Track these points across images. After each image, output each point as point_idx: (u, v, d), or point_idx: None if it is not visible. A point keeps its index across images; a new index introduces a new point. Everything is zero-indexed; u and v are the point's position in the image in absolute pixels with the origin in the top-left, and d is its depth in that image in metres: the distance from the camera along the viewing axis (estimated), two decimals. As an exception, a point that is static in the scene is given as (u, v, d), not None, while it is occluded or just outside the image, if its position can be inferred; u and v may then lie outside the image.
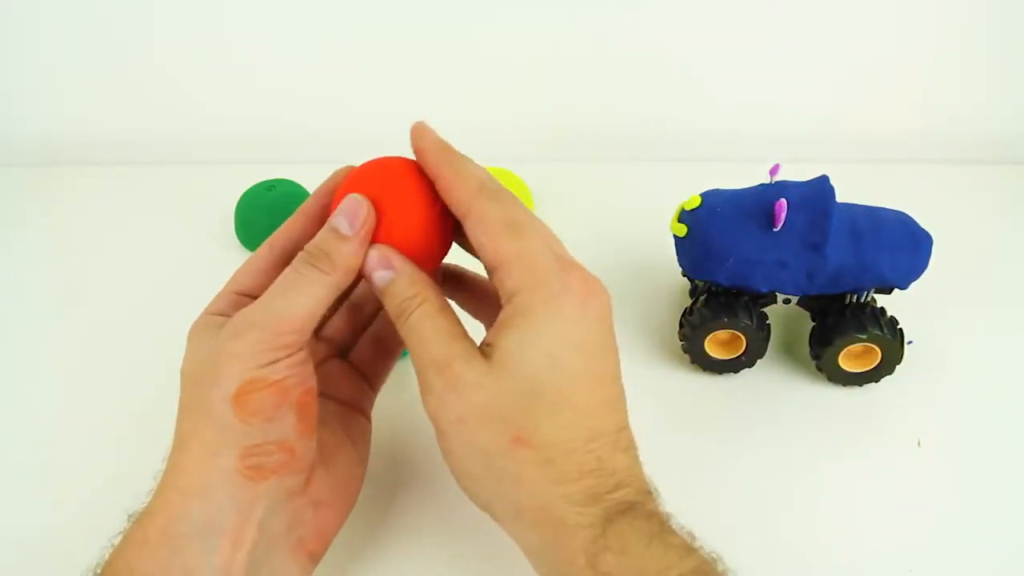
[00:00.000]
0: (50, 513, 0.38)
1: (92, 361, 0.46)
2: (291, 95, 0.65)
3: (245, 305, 0.29)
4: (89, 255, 0.56)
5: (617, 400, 0.29)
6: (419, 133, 0.30)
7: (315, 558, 0.31)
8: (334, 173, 0.32)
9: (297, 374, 0.28)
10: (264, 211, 0.53)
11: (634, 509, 0.26)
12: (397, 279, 0.29)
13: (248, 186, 0.55)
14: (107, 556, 0.27)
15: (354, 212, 0.29)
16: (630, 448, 0.28)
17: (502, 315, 0.28)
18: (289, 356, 0.28)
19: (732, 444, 0.42)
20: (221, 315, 0.30)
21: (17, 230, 0.58)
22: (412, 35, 0.61)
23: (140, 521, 0.27)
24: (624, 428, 0.28)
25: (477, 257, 0.30)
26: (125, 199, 0.61)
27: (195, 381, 0.28)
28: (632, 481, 0.27)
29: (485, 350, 0.28)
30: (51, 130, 0.67)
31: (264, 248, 0.32)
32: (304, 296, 0.28)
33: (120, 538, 0.27)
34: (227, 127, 0.66)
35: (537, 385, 0.26)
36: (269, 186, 0.54)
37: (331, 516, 0.31)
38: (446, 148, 0.29)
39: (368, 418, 0.36)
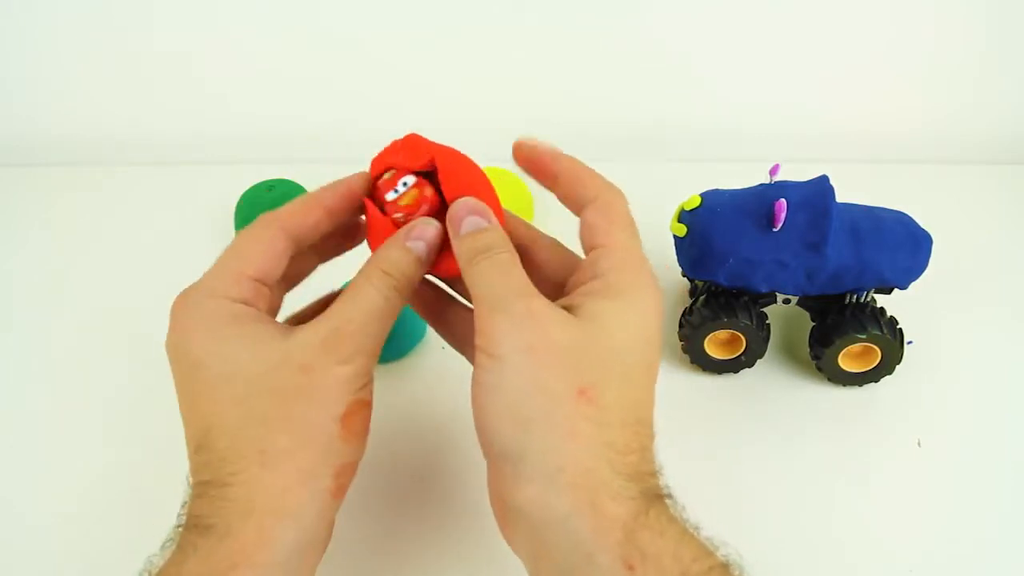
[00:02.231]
0: (49, 513, 0.38)
1: (92, 361, 0.46)
2: (291, 95, 0.65)
3: (263, 293, 0.29)
4: (89, 255, 0.56)
5: (653, 400, 0.29)
6: (525, 141, 0.32)
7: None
8: (356, 175, 0.32)
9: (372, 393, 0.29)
10: (264, 211, 0.53)
11: (666, 499, 0.26)
12: (492, 229, 0.29)
13: (248, 186, 0.55)
14: (174, 574, 0.25)
15: (427, 235, 0.30)
16: (656, 451, 0.28)
17: (588, 287, 0.28)
18: (372, 377, 0.29)
19: (732, 444, 0.42)
20: (246, 303, 0.28)
21: (17, 230, 0.59)
22: (413, 35, 0.61)
23: (224, 544, 0.25)
24: (654, 433, 0.28)
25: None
26: (125, 199, 0.61)
27: (284, 395, 0.26)
28: (661, 476, 0.27)
29: (564, 307, 0.28)
30: (51, 130, 0.67)
31: (275, 230, 0.30)
32: (391, 321, 0.29)
33: (195, 558, 0.25)
34: (227, 127, 0.66)
35: (617, 352, 0.26)
36: (269, 186, 0.54)
37: None
38: (559, 150, 0.32)
39: None
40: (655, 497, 0.26)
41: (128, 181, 0.63)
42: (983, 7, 0.59)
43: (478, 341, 0.27)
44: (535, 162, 0.31)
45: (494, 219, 0.30)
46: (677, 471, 0.28)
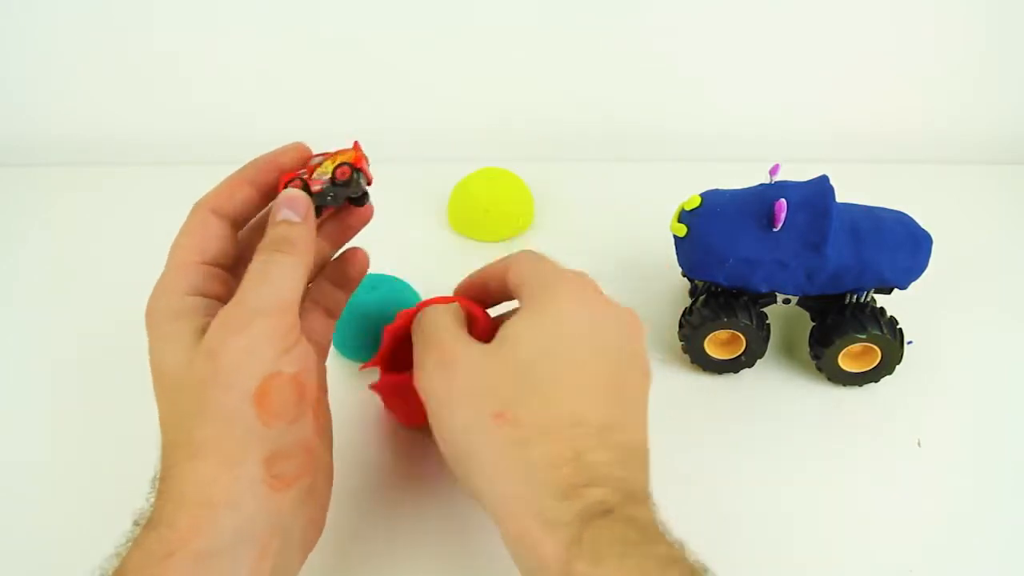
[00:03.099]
0: (47, 513, 0.38)
1: (91, 361, 0.46)
2: (291, 95, 0.65)
3: (219, 276, 0.30)
4: (89, 255, 0.56)
5: (605, 396, 0.28)
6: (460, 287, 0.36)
7: (310, 551, 0.30)
8: (286, 146, 0.32)
9: (308, 368, 0.28)
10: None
11: (612, 513, 0.25)
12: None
13: (248, 186, 0.55)
14: (119, 567, 0.25)
15: (293, 202, 0.30)
16: (617, 448, 0.27)
17: (508, 314, 0.30)
18: (296, 345, 0.28)
19: (732, 444, 0.42)
20: (199, 295, 0.28)
21: (17, 230, 0.58)
22: (412, 36, 0.61)
23: (160, 534, 0.25)
24: (610, 428, 0.27)
25: None
26: (125, 199, 0.61)
27: (199, 384, 0.26)
28: (611, 481, 0.26)
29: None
30: (51, 130, 0.67)
31: (203, 212, 0.30)
32: (287, 279, 0.28)
33: (133, 549, 0.25)
34: (227, 127, 0.66)
35: (529, 363, 0.27)
36: (269, 186, 0.54)
37: (325, 507, 0.31)
38: (472, 277, 0.36)
39: (327, 391, 0.33)
40: (594, 517, 0.24)
41: (128, 181, 0.63)
42: (983, 7, 0.59)
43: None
44: (480, 290, 0.34)
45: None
46: (676, 471, 0.28)
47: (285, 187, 0.31)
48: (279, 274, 0.28)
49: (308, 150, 0.32)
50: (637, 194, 0.58)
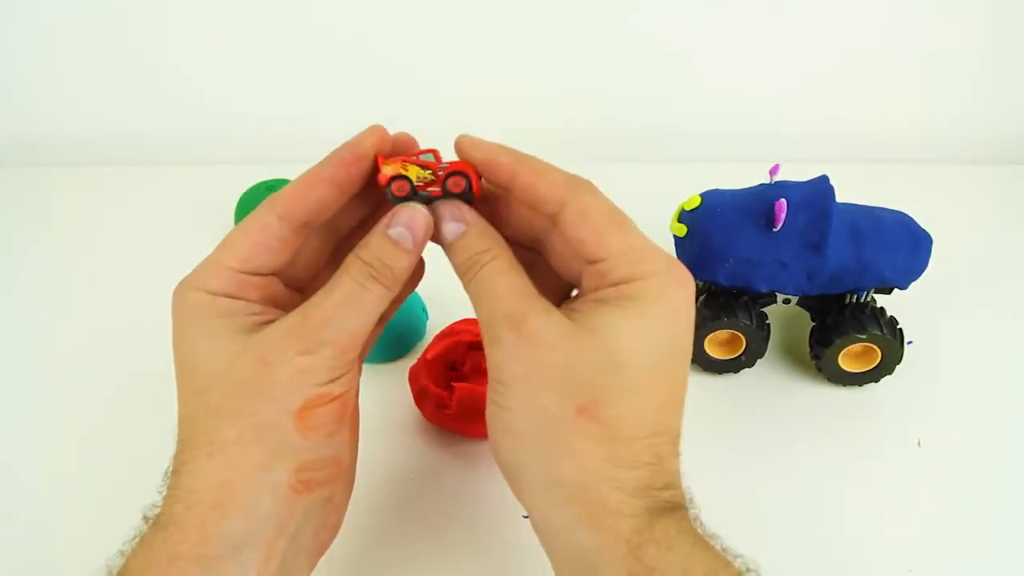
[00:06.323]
0: (46, 512, 0.38)
1: (91, 361, 0.46)
2: (291, 95, 0.65)
3: (254, 284, 0.27)
4: (89, 255, 0.56)
5: (681, 405, 0.28)
6: (473, 142, 0.28)
7: (322, 555, 0.30)
8: (366, 132, 0.28)
9: (354, 387, 0.28)
10: (264, 211, 0.53)
11: (680, 510, 0.25)
12: (468, 233, 0.28)
13: (248, 186, 0.55)
14: (123, 567, 0.25)
15: (415, 223, 0.27)
16: (680, 454, 0.28)
17: (601, 294, 0.26)
18: (351, 371, 0.27)
19: (732, 444, 0.42)
20: (231, 297, 0.27)
21: (17, 230, 0.59)
22: (413, 35, 0.61)
23: (167, 535, 0.25)
24: (680, 435, 0.28)
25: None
26: (125, 199, 0.61)
27: (238, 387, 0.25)
28: (679, 486, 0.27)
29: (568, 313, 0.26)
30: (51, 130, 0.67)
31: (269, 216, 0.27)
32: (370, 312, 0.27)
33: (140, 548, 0.25)
34: (228, 127, 0.66)
35: (623, 363, 0.25)
36: (269, 186, 0.54)
37: (342, 512, 0.30)
38: (511, 149, 0.28)
39: (358, 399, 0.31)
40: (663, 510, 0.25)
41: (128, 181, 0.63)
42: (983, 7, 0.59)
43: (488, 366, 0.27)
44: (488, 162, 0.28)
45: (468, 215, 0.28)
46: (677, 471, 0.28)
47: (389, 184, 0.27)
48: (370, 306, 0.27)
49: (386, 132, 0.29)
50: (637, 194, 0.58)
